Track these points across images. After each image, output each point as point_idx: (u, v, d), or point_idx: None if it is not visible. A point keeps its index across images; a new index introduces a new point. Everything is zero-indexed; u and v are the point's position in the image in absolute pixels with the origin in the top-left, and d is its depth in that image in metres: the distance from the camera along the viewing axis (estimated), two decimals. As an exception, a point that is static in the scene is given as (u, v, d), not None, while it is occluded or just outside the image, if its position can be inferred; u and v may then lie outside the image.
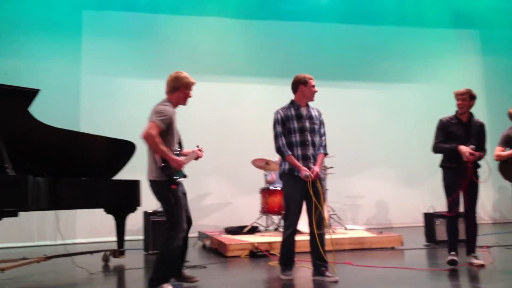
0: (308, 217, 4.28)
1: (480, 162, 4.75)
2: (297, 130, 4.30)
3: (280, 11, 9.61)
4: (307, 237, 4.33)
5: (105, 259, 5.56)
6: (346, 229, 7.24)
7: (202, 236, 7.13)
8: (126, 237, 5.68)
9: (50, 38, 8.31)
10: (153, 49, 8.78)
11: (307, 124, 4.33)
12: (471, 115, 4.84)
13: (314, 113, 4.43)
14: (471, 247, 4.79)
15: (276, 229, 7.02)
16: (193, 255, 5.71)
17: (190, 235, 4.25)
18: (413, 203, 9.22)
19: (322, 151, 4.38)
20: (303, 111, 4.38)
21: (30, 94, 4.32)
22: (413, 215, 9.14)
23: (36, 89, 4.31)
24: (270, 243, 5.84)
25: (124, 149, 5.47)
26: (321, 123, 4.45)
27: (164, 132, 3.73)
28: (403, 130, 9.66)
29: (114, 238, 5.63)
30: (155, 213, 6.19)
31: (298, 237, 4.43)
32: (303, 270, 4.63)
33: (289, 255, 4.35)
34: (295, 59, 9.09)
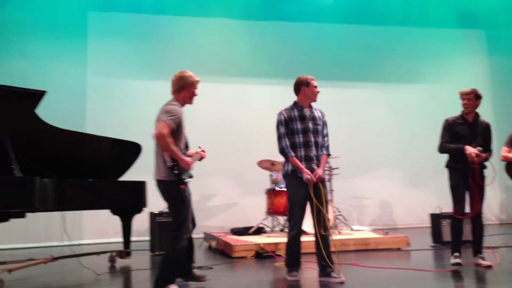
0: (312, 218, 4.29)
1: (486, 163, 4.73)
2: (300, 131, 4.32)
3: (285, 11, 9.61)
4: (313, 238, 4.32)
5: (112, 260, 5.58)
6: (352, 229, 7.23)
7: (208, 237, 7.13)
8: (132, 238, 5.70)
9: (56, 40, 8.35)
10: (158, 50, 8.81)
11: (310, 125, 4.34)
12: (477, 115, 4.83)
13: (317, 114, 4.44)
14: (477, 248, 4.77)
15: (282, 230, 7.01)
16: (199, 256, 5.71)
17: (195, 236, 4.27)
18: (419, 203, 9.20)
19: (325, 152, 4.39)
20: (306, 112, 4.39)
21: (36, 95, 4.34)
22: (419, 216, 9.11)
23: (43, 90, 4.33)
24: (276, 244, 5.83)
25: (130, 150, 5.48)
26: (324, 124, 4.46)
27: (174, 131, 3.75)
28: (409, 131, 9.63)
29: (120, 239, 5.65)
30: (161, 214, 6.21)
31: (303, 238, 4.43)
32: (309, 271, 4.62)
33: (294, 256, 4.35)
34: (300, 60, 9.09)
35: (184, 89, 3.94)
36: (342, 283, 4.06)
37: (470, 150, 4.53)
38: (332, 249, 4.27)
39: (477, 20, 10.35)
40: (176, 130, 3.78)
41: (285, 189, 6.77)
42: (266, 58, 9.27)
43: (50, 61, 8.27)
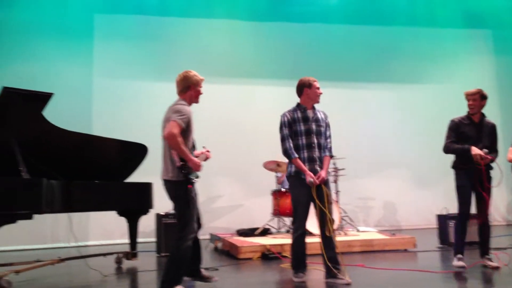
0: (316, 220, 4.30)
1: (492, 164, 4.70)
2: (303, 133, 4.34)
3: (290, 12, 9.60)
4: (318, 239, 4.32)
5: (118, 261, 5.60)
6: (358, 231, 7.21)
7: (214, 238, 7.14)
8: (139, 239, 5.72)
9: (62, 42, 8.39)
10: (164, 52, 8.83)
11: (314, 127, 4.36)
12: (482, 115, 4.81)
13: (320, 115, 4.46)
14: (484, 249, 4.75)
15: (288, 231, 7.01)
16: (205, 257, 5.70)
17: (202, 237, 4.28)
18: (426, 204, 9.16)
19: (328, 153, 4.42)
20: (310, 113, 4.41)
21: (44, 97, 4.36)
22: (425, 217, 9.07)
23: (50, 92, 4.34)
24: (282, 245, 5.83)
25: (136, 152, 5.50)
26: (327, 126, 4.48)
27: (183, 131, 3.76)
28: (415, 131, 9.60)
29: (126, 240, 5.67)
30: (167, 215, 6.23)
31: (309, 240, 4.43)
32: (316, 273, 4.61)
33: (300, 257, 4.35)
34: (305, 61, 9.09)
35: (189, 89, 3.97)
36: (348, 284, 4.06)
37: (476, 151, 4.51)
38: (337, 250, 4.26)
39: (483, 20, 10.30)
40: (185, 130, 3.79)
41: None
42: (271, 59, 9.26)
43: (57, 63, 8.31)
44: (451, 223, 6.36)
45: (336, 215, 6.56)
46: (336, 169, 7.50)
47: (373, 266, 4.93)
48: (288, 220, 7.39)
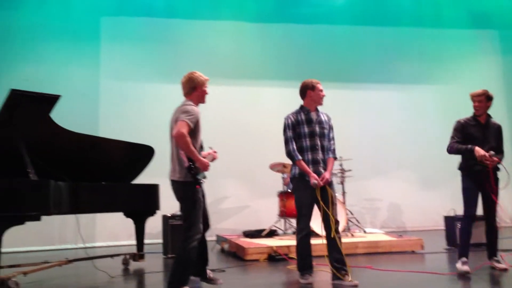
0: (321, 221, 4.30)
1: (499, 166, 4.67)
2: (307, 135, 4.35)
3: (296, 14, 9.60)
4: (324, 241, 4.31)
5: (125, 263, 5.61)
6: (365, 232, 7.18)
7: (220, 239, 7.14)
8: (146, 241, 5.74)
9: (69, 45, 8.44)
10: (170, 54, 8.86)
11: (317, 129, 4.37)
12: (488, 116, 4.78)
13: (323, 117, 4.47)
14: (492, 250, 4.72)
15: (294, 233, 6.98)
16: (211, 258, 5.71)
17: (208, 238, 4.28)
18: (433, 206, 9.10)
19: (331, 155, 4.42)
20: (313, 115, 4.42)
21: (51, 100, 4.38)
22: (433, 218, 9.02)
23: (57, 95, 4.36)
24: (288, 247, 5.83)
25: (143, 154, 5.51)
26: (330, 128, 4.50)
27: (191, 131, 3.77)
28: (422, 132, 9.56)
29: (133, 242, 5.69)
30: (173, 216, 6.24)
31: (316, 241, 4.42)
32: (323, 274, 4.60)
33: (305, 259, 4.35)
34: (311, 62, 9.08)
35: (195, 90, 3.99)
36: (355, 286, 4.04)
37: (480, 152, 4.47)
38: (343, 251, 4.25)
39: (489, 20, 10.24)
40: (194, 130, 3.81)
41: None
42: (277, 60, 9.26)
43: (64, 65, 8.35)
44: (459, 225, 6.31)
45: (342, 217, 6.55)
46: (342, 170, 7.48)
47: (381, 268, 4.91)
48: (294, 222, 7.36)
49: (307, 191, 4.27)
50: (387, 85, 9.73)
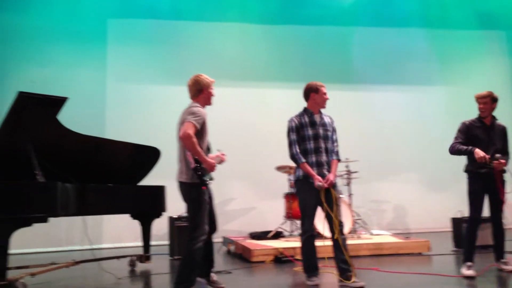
0: (326, 223, 4.30)
1: (505, 168, 4.64)
2: (311, 137, 4.36)
3: (302, 15, 9.58)
4: (330, 242, 4.31)
5: (132, 264, 5.63)
6: (371, 234, 7.16)
7: (226, 241, 7.15)
8: (152, 242, 5.75)
9: (76, 47, 8.47)
10: (177, 55, 8.87)
11: (321, 131, 4.38)
12: (493, 118, 4.75)
13: (327, 120, 4.48)
14: (499, 252, 4.69)
15: (300, 234, 6.98)
16: (217, 260, 5.73)
17: (214, 240, 4.29)
18: (440, 207, 9.04)
19: (335, 157, 4.44)
20: (317, 118, 4.43)
21: (58, 102, 4.40)
22: (440, 220, 8.96)
23: (64, 97, 4.38)
24: (294, 249, 5.81)
25: (149, 155, 5.53)
26: (334, 130, 4.51)
27: (197, 132, 3.79)
28: (429, 133, 9.51)
29: (139, 244, 5.71)
30: (180, 218, 6.26)
31: (321, 243, 4.41)
32: (329, 276, 4.60)
33: (310, 260, 4.35)
34: (317, 63, 9.07)
35: (201, 92, 4.03)
36: (361, 287, 4.04)
37: (480, 153, 4.44)
38: (349, 253, 4.24)
39: (497, 21, 10.18)
40: (200, 131, 3.83)
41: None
42: (283, 61, 9.25)
43: (71, 67, 8.39)
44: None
45: (349, 218, 6.54)
46: (349, 172, 7.47)
47: (387, 270, 4.90)
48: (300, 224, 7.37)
49: (311, 192, 4.28)
50: (393, 86, 9.69)
